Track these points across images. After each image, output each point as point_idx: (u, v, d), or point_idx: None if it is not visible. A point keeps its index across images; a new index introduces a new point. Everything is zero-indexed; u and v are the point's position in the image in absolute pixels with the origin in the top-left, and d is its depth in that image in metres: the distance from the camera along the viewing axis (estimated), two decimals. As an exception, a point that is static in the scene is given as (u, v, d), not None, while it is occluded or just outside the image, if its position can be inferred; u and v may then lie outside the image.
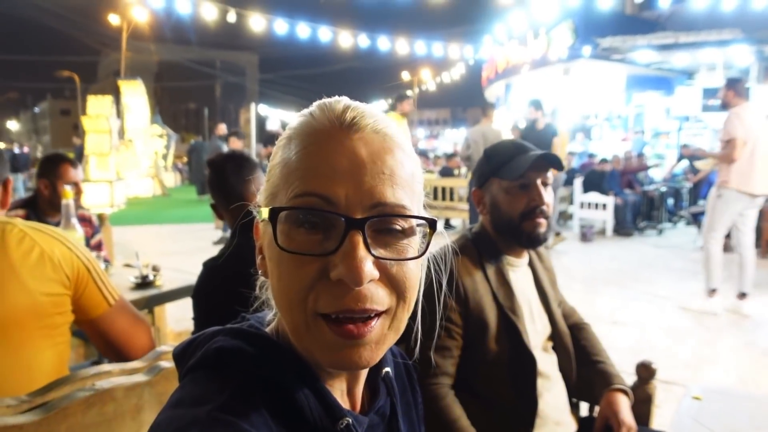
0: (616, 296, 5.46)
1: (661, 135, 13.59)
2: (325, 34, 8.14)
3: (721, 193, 4.81)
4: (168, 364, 1.15)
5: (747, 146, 4.71)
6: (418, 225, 0.61)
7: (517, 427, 1.53)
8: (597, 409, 1.77)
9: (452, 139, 31.67)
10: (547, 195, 1.58)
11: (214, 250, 1.90)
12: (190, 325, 1.81)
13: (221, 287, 1.74)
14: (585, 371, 1.77)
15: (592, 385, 1.73)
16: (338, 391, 0.66)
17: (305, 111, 0.64)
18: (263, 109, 20.49)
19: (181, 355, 0.66)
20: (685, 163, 10.87)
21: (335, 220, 0.57)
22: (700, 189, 10.23)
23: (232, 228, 1.92)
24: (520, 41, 14.24)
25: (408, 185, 0.60)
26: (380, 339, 0.60)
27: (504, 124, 17.29)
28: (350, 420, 0.63)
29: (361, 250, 0.56)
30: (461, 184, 9.45)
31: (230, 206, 1.94)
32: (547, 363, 1.64)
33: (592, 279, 6.22)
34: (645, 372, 1.84)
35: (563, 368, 1.70)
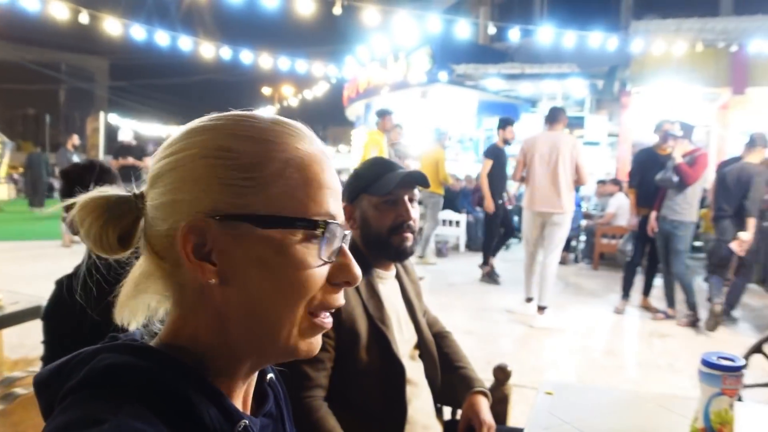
0: (468, 307, 5.76)
1: (509, 157, 14.62)
2: (185, 43, 7.88)
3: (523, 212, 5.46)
4: (23, 391, 1.07)
5: (530, 168, 5.35)
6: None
7: None
8: (459, 412, 1.88)
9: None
10: (414, 211, 1.66)
11: (57, 270, 1.75)
12: (28, 353, 1.67)
13: (77, 307, 1.64)
14: (448, 377, 1.87)
15: (455, 390, 1.84)
16: (238, 397, 0.68)
17: (286, 127, 0.67)
18: (114, 118, 19.31)
19: (51, 379, 0.62)
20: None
21: (338, 233, 0.66)
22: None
23: None
24: (381, 63, 14.67)
25: None
26: None
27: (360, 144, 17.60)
28: (247, 422, 0.64)
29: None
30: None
31: None
32: (414, 370, 1.71)
33: (447, 291, 6.53)
34: (501, 374, 1.98)
35: (429, 375, 1.78)
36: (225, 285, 0.62)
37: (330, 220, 0.64)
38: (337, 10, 6.33)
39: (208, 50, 8.25)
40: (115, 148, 9.22)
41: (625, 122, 11.00)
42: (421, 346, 1.78)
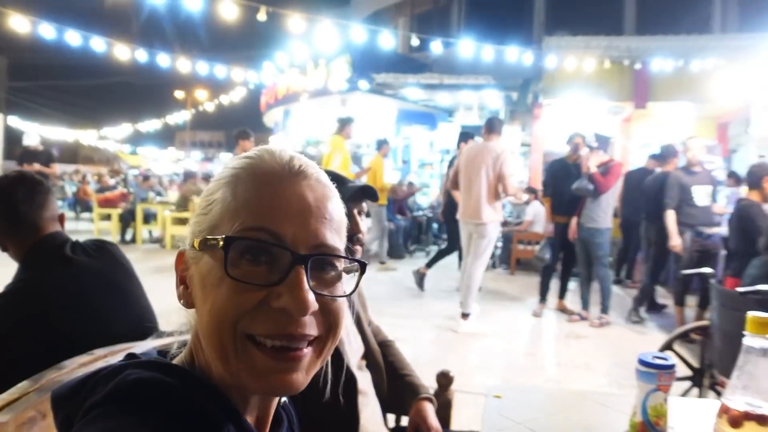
0: (395, 314, 5.84)
1: (426, 165, 14.98)
2: (98, 44, 7.56)
3: None
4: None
5: (459, 179, 5.55)
6: (346, 266, 0.69)
7: None
8: (404, 419, 1.94)
9: (228, 162, 31.02)
10: (362, 224, 1.70)
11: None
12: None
13: (13, 329, 1.58)
14: (394, 384, 1.92)
15: (402, 397, 1.89)
16: (251, 419, 0.68)
17: (249, 154, 0.69)
18: (14, 121, 18.17)
19: (72, 392, 0.62)
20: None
21: (281, 254, 0.62)
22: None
23: (19, 261, 1.75)
24: (301, 70, 14.60)
25: (342, 230, 0.69)
26: (310, 365, 0.65)
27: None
28: None
29: (306, 283, 0.61)
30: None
31: (19, 236, 1.75)
32: (364, 380, 1.75)
33: (373, 299, 6.57)
34: (444, 380, 2.05)
35: (377, 384, 1.83)
36: (195, 308, 0.67)
37: (243, 235, 0.61)
38: (261, 16, 6.28)
39: (123, 52, 7.96)
40: (19, 153, 8.65)
41: (537, 133, 11.50)
42: (368, 356, 1.82)
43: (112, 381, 0.60)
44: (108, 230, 11.56)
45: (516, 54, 8.60)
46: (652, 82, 9.86)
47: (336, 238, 0.67)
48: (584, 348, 5.01)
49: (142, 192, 12.11)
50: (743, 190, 4.51)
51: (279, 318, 0.61)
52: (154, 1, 6.70)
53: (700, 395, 3.23)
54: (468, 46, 8.12)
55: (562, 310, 6.21)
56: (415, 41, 8.37)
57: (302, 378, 0.64)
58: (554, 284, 6.29)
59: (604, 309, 5.74)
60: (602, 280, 5.70)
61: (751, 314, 0.95)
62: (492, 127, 5.52)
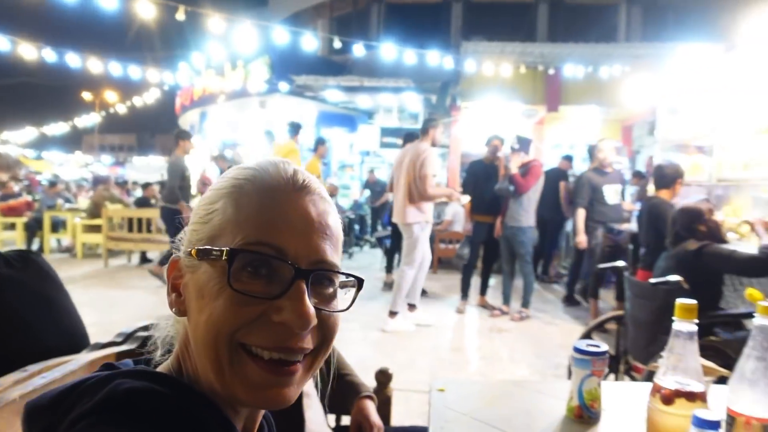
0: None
1: (347, 167, 15.04)
2: (1, 42, 7.13)
3: None
4: None
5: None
6: (342, 281, 0.70)
7: None
8: (344, 418, 1.96)
9: (141, 167, 29.86)
10: None
11: None
12: None
13: None
14: (334, 384, 1.94)
15: (343, 396, 1.92)
16: (239, 428, 0.69)
17: (252, 165, 0.69)
18: None
19: (53, 403, 0.60)
20: (367, 192, 12.37)
21: (282, 268, 0.63)
22: (382, 216, 11.53)
23: None
24: (218, 71, 14.30)
25: (339, 245, 0.70)
26: (301, 379, 0.67)
27: (200, 154, 16.99)
28: None
29: (307, 298, 0.63)
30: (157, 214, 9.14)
31: None
32: (306, 382, 1.76)
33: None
34: (383, 377, 2.10)
35: (317, 385, 1.84)
36: (187, 317, 0.67)
37: (247, 248, 0.61)
38: (180, 16, 6.11)
39: (29, 51, 7.53)
40: None
41: (455, 135, 11.79)
42: None
43: (99, 391, 0.59)
44: (12, 240, 10.90)
45: (435, 58, 8.79)
46: (563, 87, 10.34)
47: (335, 253, 0.68)
48: (506, 341, 5.20)
49: (49, 199, 11.46)
50: (651, 189, 4.83)
51: (279, 331, 0.62)
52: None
53: (617, 380, 3.44)
54: (389, 50, 8.22)
55: (484, 305, 6.41)
56: (337, 43, 8.37)
57: (294, 392, 0.65)
58: (475, 281, 6.49)
59: (525, 303, 5.98)
60: (525, 275, 5.93)
61: (680, 301, 1.04)
62: (424, 128, 5.59)
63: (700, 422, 0.86)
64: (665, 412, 1.01)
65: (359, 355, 4.62)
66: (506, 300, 6.16)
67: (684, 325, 1.03)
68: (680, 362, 1.02)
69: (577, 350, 1.34)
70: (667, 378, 1.03)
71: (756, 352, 1.09)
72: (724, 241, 3.28)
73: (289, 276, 0.63)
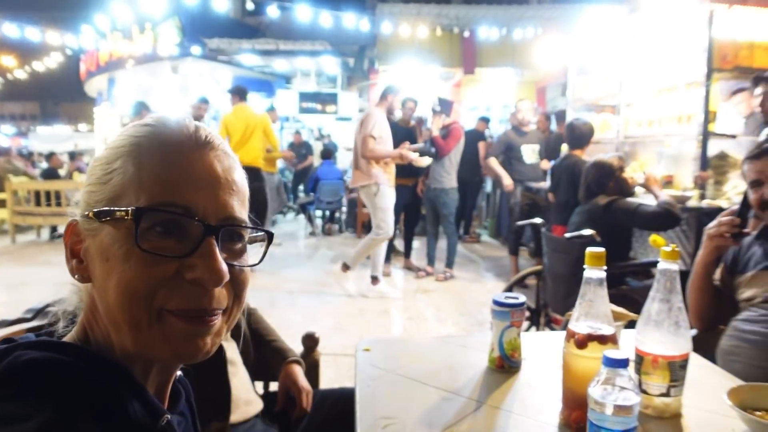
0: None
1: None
2: None
3: None
4: None
5: None
6: (251, 236, 0.69)
7: (216, 415, 1.59)
8: (273, 384, 1.96)
9: (46, 137, 28.00)
10: None
11: None
12: None
13: None
14: (260, 351, 1.93)
15: (270, 362, 1.91)
16: (152, 391, 0.67)
17: (148, 122, 0.66)
18: None
19: None
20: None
21: (191, 226, 0.62)
22: (306, 181, 11.41)
23: None
24: (125, 34, 13.59)
25: (246, 200, 0.69)
26: (219, 331, 0.66)
27: (111, 123, 16.18)
28: (169, 416, 0.65)
29: (218, 254, 0.62)
30: (69, 186, 8.68)
31: None
32: (231, 350, 1.74)
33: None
34: (310, 341, 2.09)
35: (243, 351, 1.83)
36: (92, 283, 0.65)
37: (154, 208, 0.60)
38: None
39: None
40: None
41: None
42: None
43: None
44: None
45: (352, 20, 8.69)
46: (479, 50, 10.48)
47: (242, 209, 0.67)
48: (432, 301, 5.32)
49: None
50: (564, 147, 4.99)
51: (192, 291, 0.61)
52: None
53: (538, 331, 3.60)
54: (305, 12, 8.04)
55: (409, 267, 6.52)
56: (250, 5, 8.12)
57: (212, 342, 0.65)
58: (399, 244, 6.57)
59: (449, 264, 6.11)
60: (449, 236, 6.05)
61: (589, 250, 1.09)
62: (381, 94, 5.55)
63: (609, 362, 0.91)
64: (579, 355, 1.06)
65: (287, 321, 4.61)
66: (431, 261, 6.28)
67: (594, 272, 1.07)
68: (591, 308, 1.07)
69: (496, 302, 1.38)
70: (580, 323, 1.08)
71: (660, 294, 1.17)
72: (632, 195, 3.45)
73: (199, 233, 0.61)
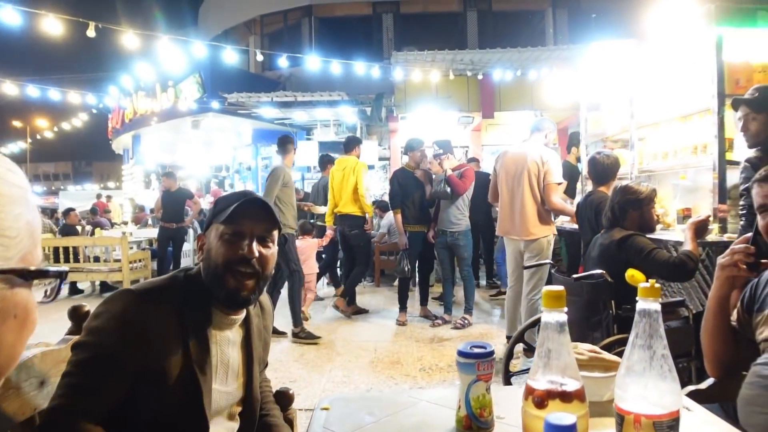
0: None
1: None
2: None
3: None
4: None
5: None
6: None
7: None
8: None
9: (74, 194, 28.48)
10: (265, 250, 1.46)
11: None
12: None
13: None
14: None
15: None
16: None
17: None
18: None
19: None
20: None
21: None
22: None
23: None
24: (148, 92, 13.94)
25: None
26: None
27: (137, 179, 16.44)
28: None
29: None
30: (87, 242, 8.75)
31: None
32: (227, 431, 1.51)
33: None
34: (285, 399, 1.91)
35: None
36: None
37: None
38: (90, 32, 5.84)
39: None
40: None
41: (394, 146, 11.73)
42: (245, 404, 1.55)
43: None
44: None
45: (366, 69, 8.72)
46: (497, 93, 10.44)
47: None
48: (447, 350, 5.08)
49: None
50: (590, 185, 4.78)
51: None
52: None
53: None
54: (320, 62, 8.11)
55: (426, 316, 6.29)
56: (259, 56, 8.20)
57: None
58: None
59: (467, 310, 5.88)
60: (466, 281, 5.84)
61: (546, 289, 0.92)
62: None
63: (551, 429, 0.72)
64: (539, 416, 0.88)
65: (291, 375, 4.44)
66: (448, 308, 6.06)
67: (553, 315, 0.90)
68: (552, 359, 0.90)
69: (460, 353, 1.20)
70: (539, 378, 0.90)
71: (640, 341, 0.98)
72: (653, 231, 3.24)
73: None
